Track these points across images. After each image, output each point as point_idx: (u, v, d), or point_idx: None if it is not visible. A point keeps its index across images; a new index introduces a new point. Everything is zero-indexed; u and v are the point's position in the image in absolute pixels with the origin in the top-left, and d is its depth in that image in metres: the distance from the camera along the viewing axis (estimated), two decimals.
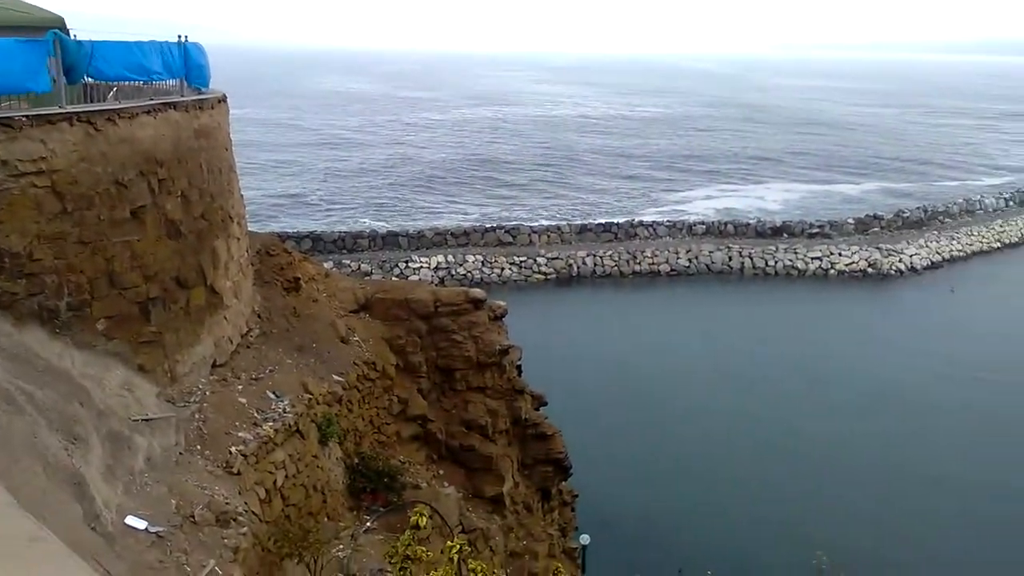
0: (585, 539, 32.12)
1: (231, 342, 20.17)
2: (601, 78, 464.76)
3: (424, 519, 9.55)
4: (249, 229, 24.11)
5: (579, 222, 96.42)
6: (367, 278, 70.87)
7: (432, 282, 76.25)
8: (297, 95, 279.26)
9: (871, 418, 53.59)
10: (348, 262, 79.73)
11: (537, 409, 25.44)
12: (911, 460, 48.01)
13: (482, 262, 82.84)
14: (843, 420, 53.09)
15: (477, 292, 24.74)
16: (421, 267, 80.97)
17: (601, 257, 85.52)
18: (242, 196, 22.84)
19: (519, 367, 25.56)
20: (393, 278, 76.68)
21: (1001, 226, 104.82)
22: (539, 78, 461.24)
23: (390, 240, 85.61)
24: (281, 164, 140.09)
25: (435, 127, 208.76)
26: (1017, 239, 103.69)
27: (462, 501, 20.83)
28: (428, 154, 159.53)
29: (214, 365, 19.41)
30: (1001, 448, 49.83)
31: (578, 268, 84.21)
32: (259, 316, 21.97)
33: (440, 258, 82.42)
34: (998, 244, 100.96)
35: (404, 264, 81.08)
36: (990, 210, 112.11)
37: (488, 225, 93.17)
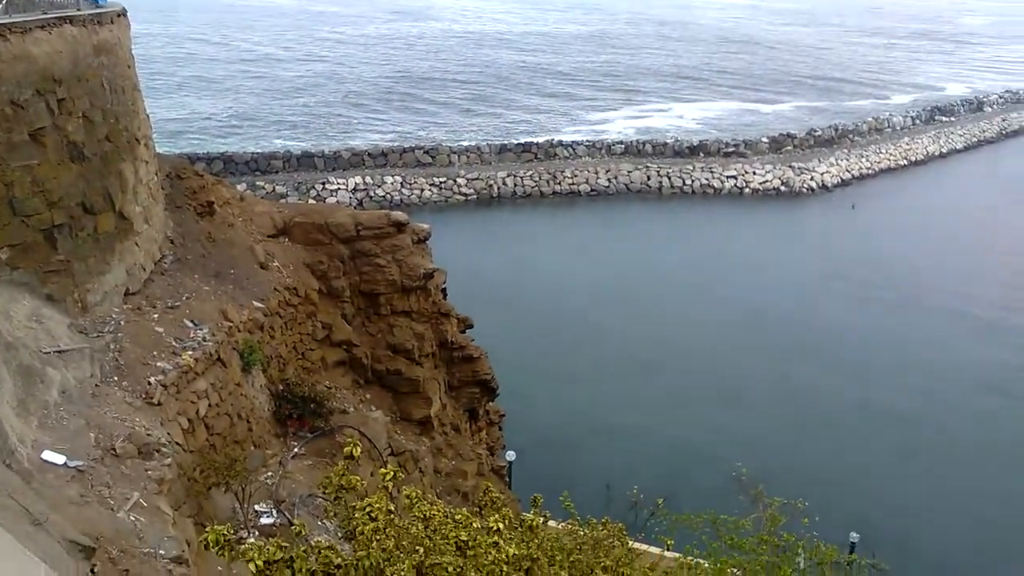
0: (511, 456, 32.69)
1: (144, 269, 19.43)
2: None
3: (358, 449, 9.42)
4: (157, 151, 23.05)
5: (499, 142, 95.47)
6: (283, 201, 69.24)
7: (351, 204, 74.92)
8: (203, 9, 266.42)
9: (790, 350, 55.48)
10: (262, 184, 77.51)
11: (463, 331, 25.43)
12: (801, 374, 49.99)
13: (401, 183, 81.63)
14: (759, 341, 54.84)
15: (399, 215, 24.32)
16: (339, 189, 79.32)
17: (521, 177, 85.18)
18: (148, 117, 21.74)
19: (444, 290, 25.41)
20: (310, 201, 75.03)
21: (908, 144, 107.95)
22: None
23: (305, 161, 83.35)
24: (187, 83, 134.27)
25: (349, 43, 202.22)
26: (923, 156, 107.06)
27: (390, 424, 20.83)
28: (344, 71, 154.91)
29: (127, 293, 18.70)
30: (874, 359, 52.31)
31: (498, 189, 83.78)
32: (172, 242, 21.18)
33: (358, 179, 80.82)
34: (905, 161, 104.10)
35: (321, 186, 79.27)
36: (898, 128, 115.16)
37: (407, 145, 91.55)
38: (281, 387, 20.29)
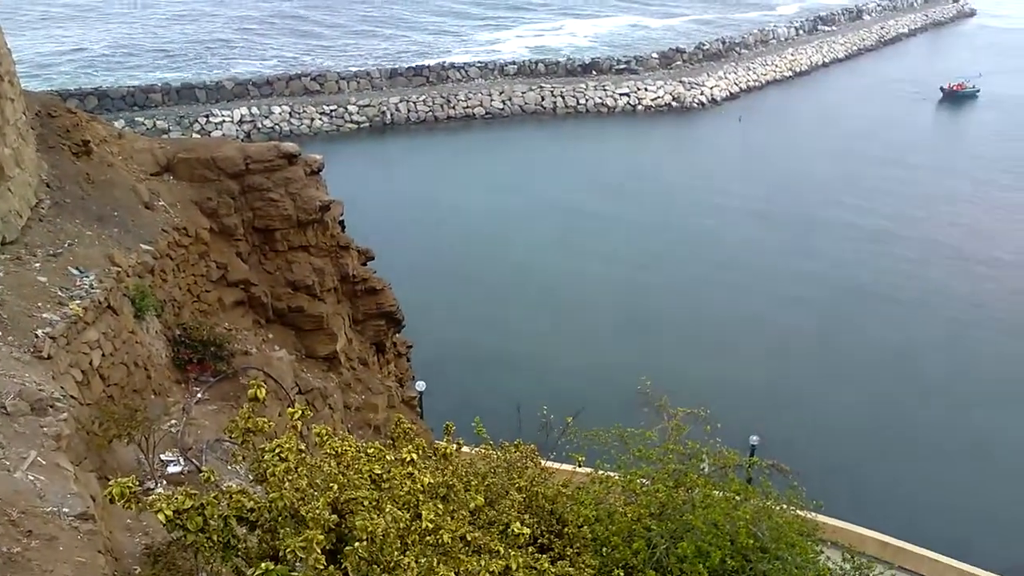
0: (421, 386, 32.78)
1: (20, 216, 18.31)
2: None
3: (263, 391, 9.22)
4: (23, 88, 21.52)
5: (389, 66, 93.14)
6: (165, 136, 66.22)
7: (238, 137, 72.21)
8: None
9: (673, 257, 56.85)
10: (141, 120, 73.87)
11: (364, 264, 24.98)
12: (700, 294, 51.63)
13: (290, 113, 79.03)
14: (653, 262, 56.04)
15: (289, 146, 23.44)
16: (224, 121, 76.27)
17: (414, 103, 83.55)
18: (10, 51, 20.21)
19: (342, 222, 24.82)
20: (194, 135, 72.06)
21: (792, 55, 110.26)
22: None
23: (186, 93, 79.55)
24: (52, 10, 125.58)
25: None
26: (807, 67, 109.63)
27: (295, 363, 20.48)
28: None
29: (3, 243, 17.63)
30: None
31: (391, 115, 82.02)
32: (48, 186, 19.97)
33: (244, 110, 77.82)
34: (790, 72, 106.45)
35: (204, 119, 76.02)
36: (783, 39, 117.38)
37: (293, 72, 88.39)
38: (178, 332, 19.61)
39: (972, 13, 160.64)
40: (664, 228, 59.62)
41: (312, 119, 79.24)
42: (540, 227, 59.14)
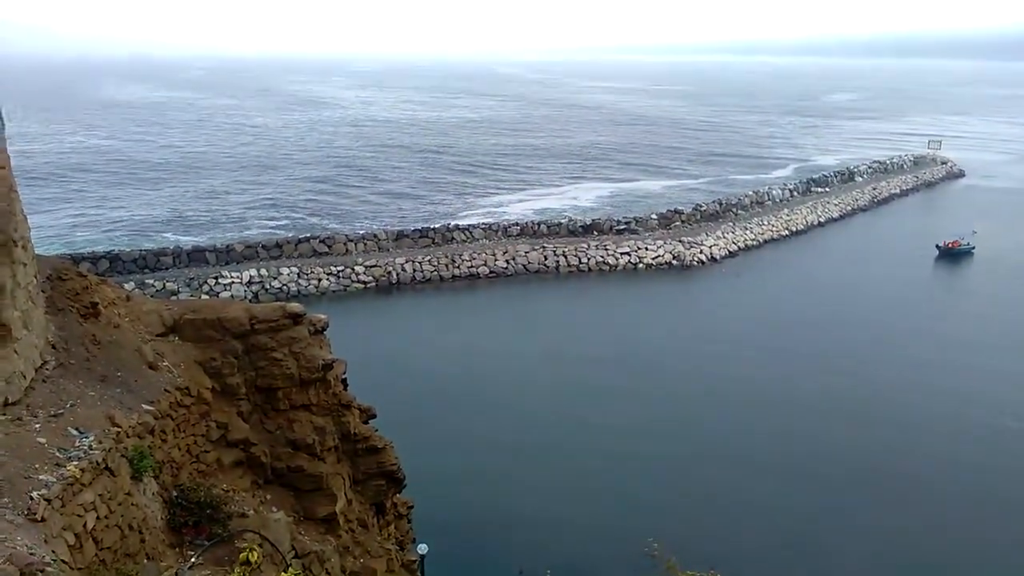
0: (423, 548, 31.82)
1: (24, 377, 18.43)
2: (404, 82, 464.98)
3: (255, 555, 9.00)
4: (37, 253, 22.14)
5: (396, 228, 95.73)
6: (174, 298, 67.33)
7: (245, 298, 73.42)
8: (81, 106, 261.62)
9: (680, 405, 56.50)
10: (151, 282, 75.33)
11: (366, 422, 24.86)
12: (710, 439, 51.02)
13: (298, 274, 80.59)
14: (658, 409, 55.69)
15: (295, 306, 23.85)
16: (232, 283, 77.70)
17: (420, 263, 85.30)
18: (26, 217, 20.92)
19: (345, 381, 24.90)
20: (203, 296, 73.22)
21: (788, 215, 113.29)
22: (347, 83, 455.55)
23: (196, 256, 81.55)
24: (63, 179, 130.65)
25: (238, 131, 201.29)
26: (803, 226, 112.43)
27: (293, 525, 20.02)
28: (222, 160, 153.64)
29: (6, 404, 17.66)
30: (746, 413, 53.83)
31: (397, 275, 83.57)
32: (54, 347, 20.21)
33: (252, 272, 79.42)
34: (786, 232, 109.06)
35: (214, 280, 77.51)
36: (777, 200, 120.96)
37: (302, 235, 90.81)
38: (175, 493, 19.32)
39: (961, 174, 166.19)
40: (669, 379, 59.44)
41: (320, 279, 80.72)
42: (545, 386, 58.96)
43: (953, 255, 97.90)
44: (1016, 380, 60.98)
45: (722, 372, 61.45)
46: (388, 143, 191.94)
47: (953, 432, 52.48)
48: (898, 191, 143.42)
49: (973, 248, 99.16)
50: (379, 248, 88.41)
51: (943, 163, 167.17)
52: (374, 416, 25.90)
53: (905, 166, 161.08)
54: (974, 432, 52.50)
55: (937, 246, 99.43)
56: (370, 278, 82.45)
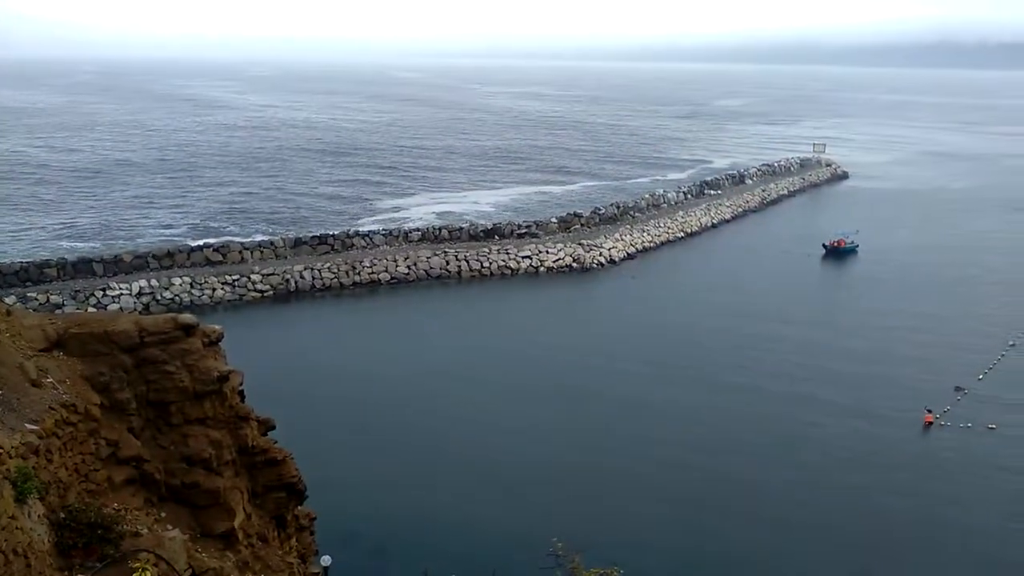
0: (327, 561, 31.30)
1: None
2: (301, 85, 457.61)
3: (148, 574, 8.73)
4: None
5: (293, 235, 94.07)
6: (58, 312, 64.50)
7: (135, 310, 70.81)
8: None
9: (573, 406, 57.33)
10: (34, 295, 71.88)
11: (265, 434, 24.29)
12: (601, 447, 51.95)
13: (191, 284, 78.23)
14: (546, 410, 56.34)
15: (187, 317, 23.13)
16: (121, 294, 74.84)
17: (319, 270, 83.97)
18: None
19: (242, 392, 24.27)
20: (90, 309, 70.35)
21: (683, 217, 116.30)
22: (241, 87, 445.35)
23: (83, 267, 78.18)
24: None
25: (116, 135, 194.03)
26: (697, 228, 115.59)
27: (189, 542, 19.40)
28: (111, 167, 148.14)
29: None
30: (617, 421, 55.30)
31: (296, 283, 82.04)
32: None
33: (143, 283, 76.66)
34: (682, 233, 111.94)
35: (101, 292, 74.47)
36: (673, 203, 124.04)
37: (195, 244, 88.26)
38: (63, 515, 18.48)
39: (845, 175, 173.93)
40: (563, 392, 60.11)
41: (214, 289, 78.57)
42: (446, 392, 58.88)
43: (839, 253, 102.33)
44: (906, 379, 64.05)
45: (619, 375, 62.57)
46: (285, 147, 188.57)
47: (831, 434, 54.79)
48: (786, 192, 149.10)
49: (857, 246, 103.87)
50: (276, 256, 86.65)
51: (828, 165, 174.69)
52: (273, 427, 25.34)
53: (792, 168, 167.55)
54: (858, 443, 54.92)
55: (824, 245, 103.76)
56: (267, 287, 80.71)
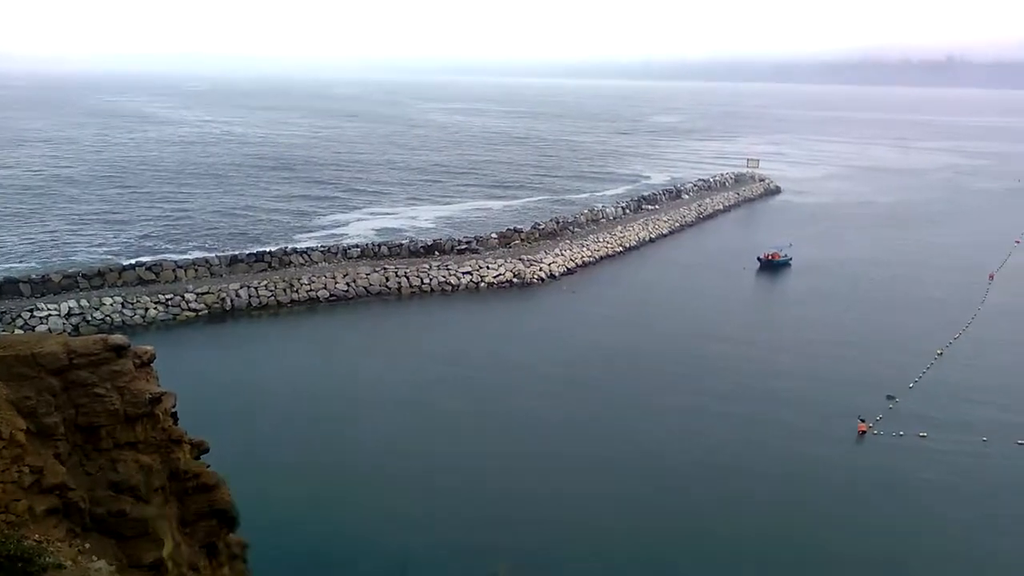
0: None
1: None
2: (239, 100, 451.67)
3: None
4: None
5: (229, 253, 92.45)
6: None
7: (64, 331, 68.71)
8: None
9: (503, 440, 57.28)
10: None
11: (198, 457, 23.67)
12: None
13: (122, 303, 76.17)
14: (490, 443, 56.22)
15: (118, 337, 22.47)
16: (50, 315, 72.56)
17: (256, 288, 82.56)
18: None
19: (175, 414, 23.64)
20: (16, 331, 68.01)
21: (621, 232, 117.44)
22: (178, 102, 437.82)
23: (8, 288, 75.61)
24: None
25: (43, 151, 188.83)
26: (635, 242, 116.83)
27: (116, 574, 18.79)
28: (41, 183, 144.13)
29: None
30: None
31: (232, 302, 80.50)
32: None
33: (72, 303, 74.43)
34: (620, 248, 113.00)
35: (28, 314, 72.06)
36: (611, 218, 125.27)
37: (127, 262, 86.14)
38: None
39: (778, 190, 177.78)
40: (496, 413, 59.95)
41: (147, 309, 76.64)
42: (384, 411, 58.20)
43: (773, 266, 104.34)
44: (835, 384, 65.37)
45: (547, 396, 62.12)
46: (222, 163, 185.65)
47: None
48: (721, 207, 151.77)
49: (790, 259, 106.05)
50: (211, 274, 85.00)
51: (761, 180, 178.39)
52: (206, 450, 24.70)
53: (727, 183, 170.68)
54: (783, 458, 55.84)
55: (758, 258, 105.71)
56: (202, 306, 79.05)
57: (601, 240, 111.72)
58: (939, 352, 72.26)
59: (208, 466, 23.58)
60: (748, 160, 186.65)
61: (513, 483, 47.99)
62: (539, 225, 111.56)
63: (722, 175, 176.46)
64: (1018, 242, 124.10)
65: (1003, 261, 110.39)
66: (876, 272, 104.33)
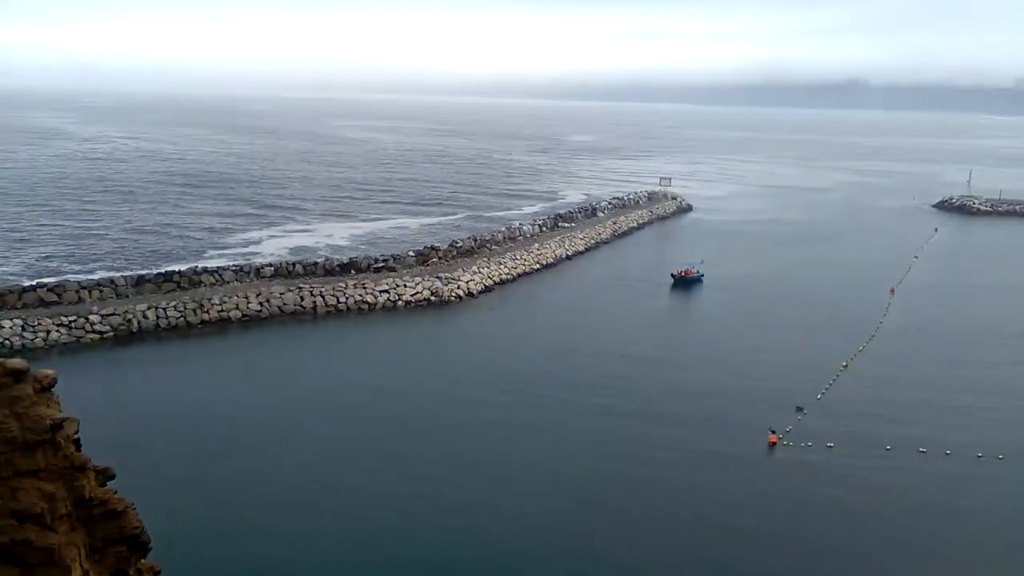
0: None
1: None
2: (146, 116, 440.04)
3: None
4: None
5: (137, 273, 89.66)
6: None
7: None
8: None
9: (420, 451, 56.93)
10: None
11: (104, 484, 22.79)
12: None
13: (22, 326, 72.91)
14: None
15: (16, 362, 21.52)
16: None
17: (164, 309, 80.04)
18: None
19: (78, 441, 22.73)
20: None
21: (538, 249, 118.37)
22: (82, 118, 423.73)
23: None
24: None
25: None
26: (552, 259, 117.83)
27: None
28: None
29: None
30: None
31: (139, 323, 77.85)
32: None
33: None
34: (537, 265, 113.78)
35: None
36: (528, 235, 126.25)
37: (28, 283, 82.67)
38: None
39: (690, 208, 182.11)
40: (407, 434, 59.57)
41: (48, 331, 73.54)
42: (294, 433, 56.97)
43: (686, 282, 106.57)
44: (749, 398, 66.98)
45: (455, 428, 61.32)
46: (129, 179, 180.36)
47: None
48: (635, 225, 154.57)
49: (702, 276, 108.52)
50: (117, 295, 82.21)
51: (674, 198, 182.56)
52: (112, 477, 23.80)
53: (641, 202, 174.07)
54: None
55: (672, 275, 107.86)
56: (107, 328, 76.28)
57: (519, 258, 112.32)
58: (844, 364, 74.78)
59: (115, 492, 22.75)
60: (661, 179, 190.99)
61: (398, 521, 47.59)
62: (457, 243, 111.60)
63: (636, 193, 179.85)
64: (916, 258, 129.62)
65: (903, 276, 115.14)
66: (784, 287, 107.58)
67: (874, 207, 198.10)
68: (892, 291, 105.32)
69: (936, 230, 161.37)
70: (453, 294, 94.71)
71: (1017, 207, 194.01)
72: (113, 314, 77.20)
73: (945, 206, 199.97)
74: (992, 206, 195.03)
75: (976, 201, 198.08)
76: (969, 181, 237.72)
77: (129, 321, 77.37)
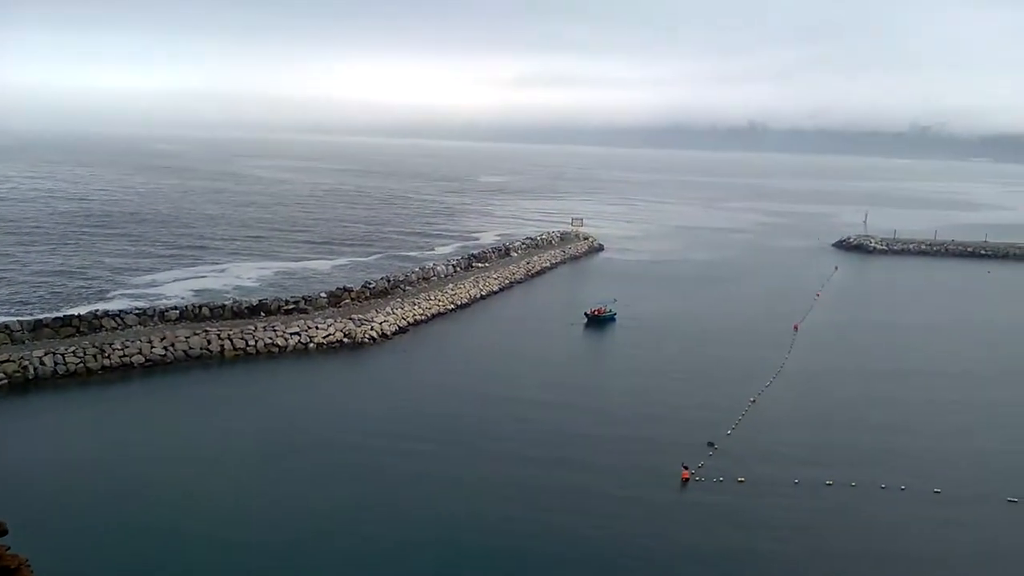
0: None
1: None
2: (44, 155, 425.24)
3: None
4: None
5: (33, 317, 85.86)
6: None
7: None
8: None
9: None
10: None
11: None
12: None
13: None
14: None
15: None
16: None
17: (63, 355, 76.66)
18: None
19: None
20: None
21: (453, 289, 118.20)
22: None
23: None
24: None
25: None
26: (466, 299, 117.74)
27: None
28: None
29: None
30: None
31: (35, 370, 74.27)
32: None
33: None
34: (452, 305, 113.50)
35: None
36: (442, 276, 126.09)
37: None
38: None
39: (601, 248, 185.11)
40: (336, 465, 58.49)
41: None
42: (197, 484, 55.00)
43: (599, 321, 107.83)
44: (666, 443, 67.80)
45: (382, 469, 61.58)
46: (24, 221, 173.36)
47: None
48: (549, 264, 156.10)
49: (615, 314, 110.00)
50: (12, 340, 78.48)
51: (586, 238, 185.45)
52: (5, 532, 22.61)
53: (554, 241, 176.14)
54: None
55: (585, 313, 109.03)
56: (1, 375, 72.66)
57: (432, 298, 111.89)
58: (752, 399, 76.55)
59: (8, 548, 21.52)
60: (573, 219, 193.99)
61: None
62: (370, 284, 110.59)
63: (549, 233, 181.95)
64: (818, 295, 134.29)
65: (806, 313, 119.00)
66: (694, 325, 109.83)
67: (778, 247, 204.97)
68: (796, 327, 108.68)
69: (836, 268, 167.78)
70: (366, 335, 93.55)
71: (910, 246, 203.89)
72: (7, 361, 73.53)
73: (843, 245, 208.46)
74: (887, 245, 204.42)
75: (872, 240, 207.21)
76: (865, 221, 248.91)
77: (24, 368, 73.79)
